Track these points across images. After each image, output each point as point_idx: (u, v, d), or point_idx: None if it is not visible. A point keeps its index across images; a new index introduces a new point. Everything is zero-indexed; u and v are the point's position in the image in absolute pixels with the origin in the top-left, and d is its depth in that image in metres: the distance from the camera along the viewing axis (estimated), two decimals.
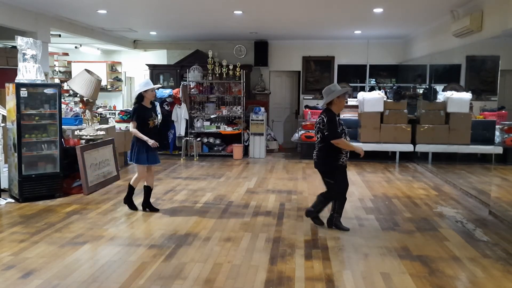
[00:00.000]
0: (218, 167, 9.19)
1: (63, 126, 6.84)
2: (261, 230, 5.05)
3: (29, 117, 6.21)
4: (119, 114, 10.54)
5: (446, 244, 4.63)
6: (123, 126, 9.52)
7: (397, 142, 9.77)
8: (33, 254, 4.25)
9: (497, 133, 7.90)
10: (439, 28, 8.66)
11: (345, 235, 4.88)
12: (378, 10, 7.75)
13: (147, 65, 12.14)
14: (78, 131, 7.53)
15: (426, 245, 4.59)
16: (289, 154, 11.13)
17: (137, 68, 13.39)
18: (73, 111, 8.95)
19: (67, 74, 13.24)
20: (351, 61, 12.09)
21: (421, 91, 10.51)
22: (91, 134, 7.32)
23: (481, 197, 6.45)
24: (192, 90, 10.79)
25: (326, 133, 4.88)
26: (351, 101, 10.92)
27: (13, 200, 6.23)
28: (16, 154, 6.13)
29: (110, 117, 10.04)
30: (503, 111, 7.85)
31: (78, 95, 7.89)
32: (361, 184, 7.57)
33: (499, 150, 7.58)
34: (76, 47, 12.57)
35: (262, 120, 10.42)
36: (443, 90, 9.76)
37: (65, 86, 9.78)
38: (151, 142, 5.55)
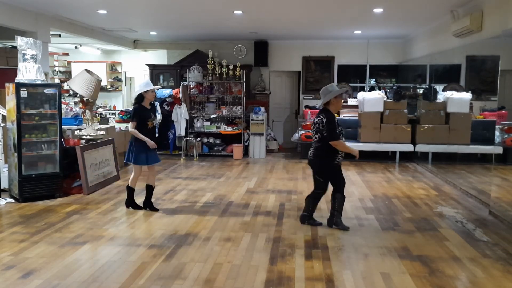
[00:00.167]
0: (218, 167, 9.19)
1: (63, 126, 6.84)
2: (261, 230, 5.05)
3: (29, 117, 6.21)
4: (119, 114, 10.54)
5: (446, 244, 4.63)
6: (123, 126, 9.51)
7: (397, 142, 9.77)
8: (33, 254, 4.25)
9: (497, 133, 7.90)
10: (439, 28, 8.66)
11: (345, 235, 4.88)
12: (378, 10, 7.75)
13: (147, 65, 12.14)
14: (78, 131, 7.53)
15: (426, 245, 4.59)
16: (289, 154, 11.13)
17: (137, 68, 13.39)
18: (73, 111, 8.95)
19: (67, 74, 13.24)
20: (351, 61, 12.09)
21: (421, 91, 10.51)
22: (91, 134, 7.32)
23: (481, 197, 6.45)
24: (192, 90, 10.79)
25: (325, 134, 4.92)
26: (351, 101, 10.93)
27: (13, 200, 6.23)
28: (16, 154, 6.13)
29: (110, 117, 10.03)
30: (503, 111, 7.86)
31: (78, 95, 7.89)
32: (361, 184, 7.57)
33: (499, 150, 7.58)
34: (76, 47, 12.57)
35: (262, 120, 10.41)
36: (443, 90, 9.76)
37: (65, 86, 9.78)
38: (151, 143, 5.57)
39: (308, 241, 4.69)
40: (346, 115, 10.49)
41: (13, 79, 6.32)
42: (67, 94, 11.96)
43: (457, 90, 9.41)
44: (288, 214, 5.73)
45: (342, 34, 10.79)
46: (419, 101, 10.20)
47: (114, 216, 5.54)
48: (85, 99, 7.23)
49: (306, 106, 11.09)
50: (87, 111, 7.39)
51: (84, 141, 7.22)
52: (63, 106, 7.94)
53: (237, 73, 10.46)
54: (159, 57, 12.75)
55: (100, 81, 7.36)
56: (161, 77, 12.15)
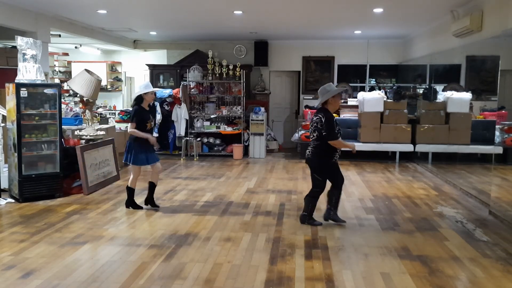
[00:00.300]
0: (218, 167, 9.19)
1: (63, 126, 6.84)
2: (261, 230, 5.05)
3: (29, 117, 6.21)
4: (119, 114, 10.54)
5: (446, 244, 4.63)
6: (123, 126, 9.51)
7: (397, 142, 9.77)
8: (33, 254, 4.25)
9: (497, 133, 7.89)
10: (439, 28, 8.66)
11: (345, 235, 4.88)
12: (378, 10, 7.75)
13: (147, 65, 12.14)
14: (78, 131, 7.54)
15: (426, 245, 4.59)
16: (289, 154, 11.13)
17: (137, 68, 13.40)
18: (73, 111, 8.95)
19: (67, 74, 13.24)
20: (351, 61, 12.09)
21: (421, 91, 10.50)
22: (91, 134, 7.33)
23: (481, 197, 6.45)
24: (192, 90, 10.79)
25: (324, 133, 4.95)
26: (351, 101, 10.93)
27: (13, 200, 6.23)
28: (16, 154, 6.13)
29: (110, 117, 10.03)
30: (503, 111, 7.85)
31: (78, 95, 7.89)
32: (361, 184, 7.57)
33: (499, 150, 7.58)
34: (76, 47, 12.57)
35: (262, 120, 10.41)
36: (443, 90, 9.76)
37: (65, 86, 9.78)
38: (152, 139, 5.63)
39: (308, 241, 4.69)
40: (346, 115, 10.49)
41: (13, 79, 6.32)
42: (67, 94, 11.96)
43: (457, 90, 9.41)
44: (288, 214, 5.73)
45: (342, 34, 10.79)
46: (419, 101, 10.20)
47: (114, 216, 5.54)
48: (85, 99, 7.23)
49: (306, 106, 11.08)
50: (87, 111, 7.39)
51: (84, 141, 7.22)
52: (63, 106, 7.94)
53: (237, 73, 10.45)
54: (159, 57, 12.75)
55: (100, 81, 7.36)
56: (161, 77, 12.15)
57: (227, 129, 10.45)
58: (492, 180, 6.62)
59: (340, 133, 5.09)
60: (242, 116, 10.46)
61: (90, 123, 7.45)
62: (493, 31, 6.29)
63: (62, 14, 8.50)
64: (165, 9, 7.93)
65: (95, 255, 4.29)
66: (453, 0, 6.97)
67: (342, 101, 10.76)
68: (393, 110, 9.80)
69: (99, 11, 8.07)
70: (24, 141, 6.17)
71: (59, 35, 10.35)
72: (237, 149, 10.28)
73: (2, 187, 6.42)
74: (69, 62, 13.41)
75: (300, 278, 3.75)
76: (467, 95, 9.14)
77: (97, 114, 8.87)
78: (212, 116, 10.67)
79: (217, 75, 10.60)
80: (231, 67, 10.47)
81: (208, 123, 10.59)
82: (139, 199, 5.99)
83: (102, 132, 7.55)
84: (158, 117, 9.39)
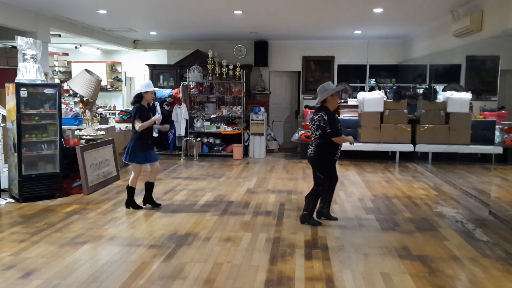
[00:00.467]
0: (218, 167, 9.19)
1: (63, 126, 6.84)
2: (261, 230, 5.05)
3: (29, 117, 6.21)
4: (119, 114, 10.54)
5: (446, 244, 4.63)
6: (123, 126, 9.52)
7: (397, 142, 9.77)
8: (33, 254, 4.25)
9: (497, 133, 7.89)
10: (439, 28, 8.66)
11: (345, 235, 4.88)
12: (378, 10, 7.75)
13: (147, 65, 12.14)
14: (78, 131, 7.53)
15: (426, 245, 4.59)
16: (289, 154, 11.13)
17: (137, 68, 13.39)
18: (73, 111, 8.95)
19: (67, 74, 13.23)
20: (351, 61, 12.09)
21: (421, 91, 10.50)
22: (91, 134, 7.32)
23: (481, 197, 6.45)
24: (192, 90, 10.79)
25: (328, 131, 4.98)
26: (351, 101, 10.93)
27: (13, 200, 6.23)
28: (16, 154, 6.13)
29: (110, 117, 10.03)
30: (503, 111, 7.84)
31: (78, 95, 7.89)
32: (361, 184, 7.56)
33: (499, 150, 7.57)
34: (76, 47, 12.57)
35: (262, 120, 10.41)
36: (443, 90, 9.75)
37: (65, 86, 9.77)
38: (158, 118, 5.83)
39: (308, 241, 4.69)
40: (346, 115, 10.49)
41: (13, 79, 6.32)
42: (67, 94, 11.95)
43: (457, 90, 9.41)
44: (288, 214, 5.73)
45: (342, 34, 10.79)
46: (419, 101, 10.20)
47: (114, 216, 5.54)
48: (85, 99, 7.23)
49: (306, 106, 11.08)
50: (87, 111, 7.39)
51: (84, 141, 7.22)
52: (63, 106, 7.94)
53: (237, 73, 10.45)
54: (159, 57, 12.75)
55: (100, 81, 7.36)
56: (161, 77, 12.15)
57: (227, 129, 10.45)
58: (492, 180, 6.62)
59: (341, 130, 5.14)
60: (242, 116, 10.46)
61: (90, 123, 7.45)
62: (493, 31, 6.29)
63: (62, 14, 8.50)
64: (165, 9, 7.93)
65: (95, 255, 4.29)
66: (453, 0, 6.97)
67: (342, 101, 10.77)
68: (393, 110, 9.80)
69: (99, 11, 8.07)
70: (24, 141, 6.17)
71: (59, 35, 10.35)
72: (237, 149, 10.28)
73: (2, 187, 6.42)
74: (69, 62, 13.41)
75: (300, 278, 3.75)
76: (467, 95, 9.14)
77: (97, 114, 8.87)
78: (212, 116, 10.67)
79: (217, 75, 10.60)
80: (231, 67, 10.47)
81: (208, 123, 10.59)
82: (139, 199, 5.99)
83: (102, 132, 7.55)
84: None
